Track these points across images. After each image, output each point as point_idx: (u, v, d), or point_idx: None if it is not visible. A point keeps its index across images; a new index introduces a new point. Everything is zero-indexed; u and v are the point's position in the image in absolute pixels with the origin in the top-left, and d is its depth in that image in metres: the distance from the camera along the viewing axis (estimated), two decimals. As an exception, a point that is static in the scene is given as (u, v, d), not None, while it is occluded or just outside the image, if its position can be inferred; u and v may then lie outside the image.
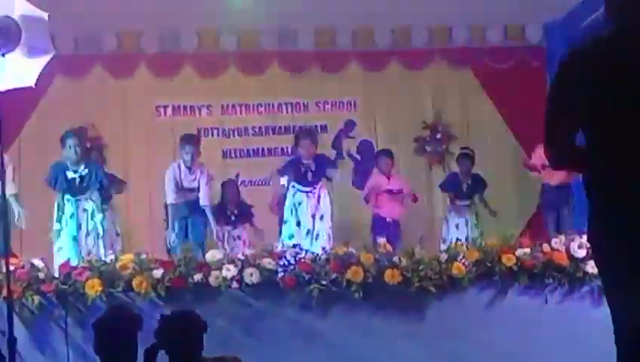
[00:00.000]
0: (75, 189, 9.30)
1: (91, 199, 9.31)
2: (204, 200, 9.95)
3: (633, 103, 3.52)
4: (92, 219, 9.29)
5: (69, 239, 9.21)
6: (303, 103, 12.32)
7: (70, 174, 9.25)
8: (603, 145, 3.62)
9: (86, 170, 9.32)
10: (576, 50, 3.73)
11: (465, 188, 11.00)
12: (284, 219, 9.95)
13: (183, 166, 9.95)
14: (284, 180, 10.26)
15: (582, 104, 3.61)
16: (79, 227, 9.26)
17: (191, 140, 10.19)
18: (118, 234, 10.24)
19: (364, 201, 10.91)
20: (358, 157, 12.40)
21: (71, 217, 9.27)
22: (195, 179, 9.95)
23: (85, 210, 9.29)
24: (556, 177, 9.92)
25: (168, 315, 5.34)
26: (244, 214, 10.69)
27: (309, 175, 9.93)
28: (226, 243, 10.21)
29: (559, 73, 3.72)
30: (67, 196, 9.29)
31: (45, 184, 9.39)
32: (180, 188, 9.91)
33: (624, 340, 3.56)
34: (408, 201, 10.85)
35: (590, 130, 3.67)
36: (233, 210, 10.66)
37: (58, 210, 9.29)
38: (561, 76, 3.71)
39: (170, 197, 9.93)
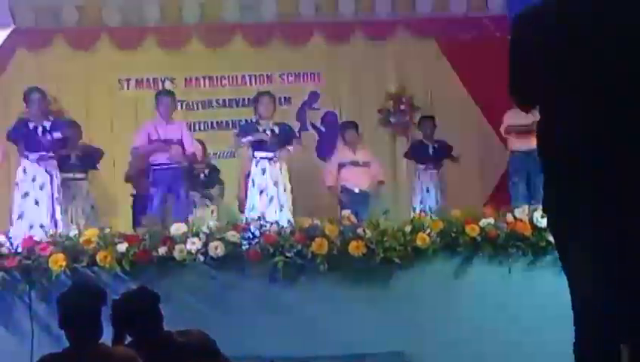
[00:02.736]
0: (38, 144, 9.19)
1: (52, 158, 9.21)
2: (189, 148, 9.90)
3: (580, 74, 3.53)
4: (52, 181, 9.18)
5: (32, 203, 9.11)
6: (267, 75, 12.29)
7: (32, 125, 9.19)
8: (550, 118, 3.64)
9: (49, 123, 9.26)
10: (525, 14, 3.71)
11: (431, 152, 10.97)
12: (248, 191, 9.86)
13: (159, 118, 9.87)
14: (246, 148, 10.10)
15: (530, 70, 3.63)
16: (41, 188, 9.14)
17: (167, 92, 10.30)
18: (92, 207, 10.20)
19: (328, 177, 10.91)
20: (322, 128, 12.39)
21: (33, 180, 9.15)
22: (174, 130, 9.85)
23: (48, 172, 9.17)
24: (524, 141, 9.99)
25: (116, 300, 5.32)
26: (214, 177, 10.69)
27: (269, 135, 9.85)
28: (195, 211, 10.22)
29: (511, 38, 3.72)
30: (30, 156, 9.18)
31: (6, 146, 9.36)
32: (155, 140, 9.78)
33: (577, 307, 3.61)
34: (375, 180, 10.86)
35: (541, 98, 3.68)
36: (202, 169, 10.63)
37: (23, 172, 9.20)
38: (512, 41, 3.72)
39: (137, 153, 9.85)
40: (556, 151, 3.63)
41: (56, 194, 9.16)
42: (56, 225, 8.90)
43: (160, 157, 9.73)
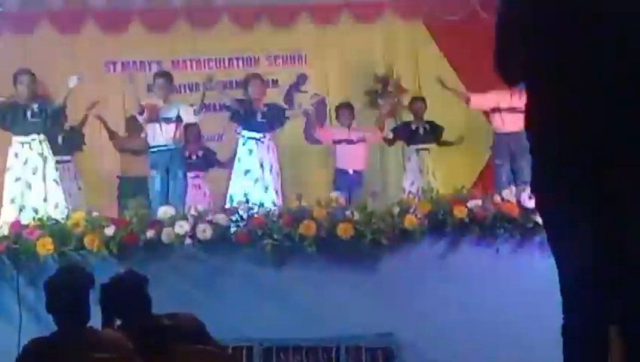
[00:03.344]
0: (27, 127, 9.12)
1: (44, 141, 9.14)
2: (189, 118, 9.91)
3: (570, 52, 3.52)
4: (45, 164, 9.10)
5: (24, 187, 9.01)
6: (254, 58, 12.23)
7: (21, 108, 9.09)
8: (541, 98, 3.62)
9: (37, 108, 9.16)
10: None
11: (422, 132, 10.95)
12: (233, 170, 9.83)
13: (155, 99, 9.81)
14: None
15: (517, 44, 3.61)
16: (34, 172, 9.04)
17: (163, 73, 10.24)
18: (80, 189, 10.18)
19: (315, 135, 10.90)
20: (310, 111, 12.35)
21: (25, 163, 9.04)
22: (171, 110, 9.78)
23: (41, 155, 9.09)
24: (508, 123, 10.04)
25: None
26: (208, 159, 10.64)
27: (259, 116, 9.81)
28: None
29: (499, 10, 3.70)
30: (19, 138, 9.10)
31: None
32: (154, 120, 9.69)
33: (566, 290, 3.61)
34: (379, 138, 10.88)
35: (529, 80, 3.67)
36: (196, 151, 10.58)
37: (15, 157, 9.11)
38: (500, 13, 3.69)
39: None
40: (544, 133, 3.62)
41: (53, 176, 9.09)
42: (55, 207, 8.82)
43: (158, 138, 9.67)
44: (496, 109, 10.35)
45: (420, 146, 10.90)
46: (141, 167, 10.19)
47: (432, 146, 10.98)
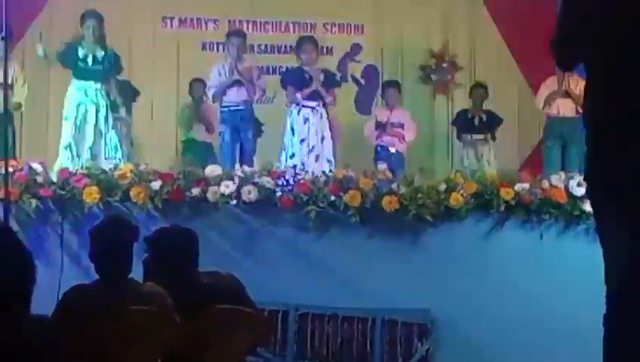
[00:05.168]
0: (87, 73, 9.11)
1: (103, 90, 9.13)
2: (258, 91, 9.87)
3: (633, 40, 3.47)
4: (97, 112, 9.09)
5: (74, 130, 8.99)
6: (311, 24, 12.18)
7: (82, 52, 9.04)
8: (601, 84, 3.58)
9: (102, 53, 9.12)
10: None
11: (477, 122, 10.82)
12: (285, 137, 9.78)
13: (229, 60, 9.76)
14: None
15: (582, 33, 3.56)
16: (84, 118, 9.00)
17: (237, 32, 10.22)
18: (132, 144, 10.19)
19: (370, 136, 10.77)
20: (362, 81, 12.33)
21: (78, 106, 9.00)
22: (244, 71, 9.71)
23: (95, 103, 9.05)
24: (562, 108, 9.97)
25: (163, 228, 5.34)
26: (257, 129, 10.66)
27: (313, 83, 9.70)
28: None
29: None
30: (77, 82, 9.09)
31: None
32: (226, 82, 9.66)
33: (611, 280, 3.58)
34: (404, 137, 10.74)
35: (590, 63, 3.63)
36: None
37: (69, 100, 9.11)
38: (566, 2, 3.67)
39: (214, 93, 9.76)
40: (601, 122, 3.58)
41: (101, 127, 9.08)
42: (95, 158, 8.86)
43: (230, 98, 9.69)
44: (550, 95, 10.24)
45: (475, 137, 10.77)
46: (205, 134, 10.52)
47: (488, 136, 10.84)
